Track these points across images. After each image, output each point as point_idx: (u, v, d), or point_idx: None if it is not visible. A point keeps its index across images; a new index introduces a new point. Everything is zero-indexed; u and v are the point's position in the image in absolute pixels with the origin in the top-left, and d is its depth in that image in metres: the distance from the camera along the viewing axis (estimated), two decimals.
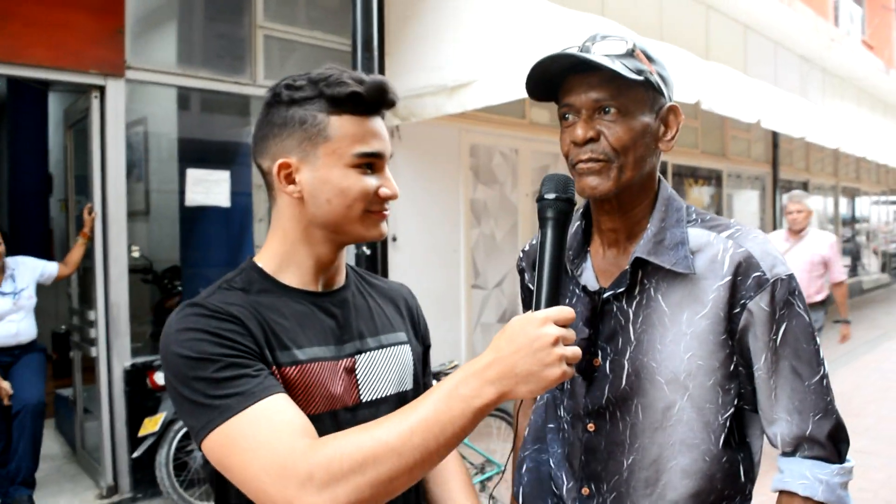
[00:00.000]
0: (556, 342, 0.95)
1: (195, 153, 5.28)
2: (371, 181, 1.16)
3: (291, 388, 1.09)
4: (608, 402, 1.30)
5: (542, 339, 0.95)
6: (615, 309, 1.30)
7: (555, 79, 1.27)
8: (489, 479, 4.02)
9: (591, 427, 1.34)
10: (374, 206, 1.17)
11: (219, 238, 5.41)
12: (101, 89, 4.35)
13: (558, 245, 1.09)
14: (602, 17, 5.83)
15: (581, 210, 1.41)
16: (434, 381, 3.87)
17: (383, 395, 1.22)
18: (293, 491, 0.92)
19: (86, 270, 4.75)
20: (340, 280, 1.26)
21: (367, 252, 3.56)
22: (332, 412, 1.14)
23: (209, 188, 4.87)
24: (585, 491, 1.35)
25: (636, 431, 1.28)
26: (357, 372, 1.20)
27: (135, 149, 5.54)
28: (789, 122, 7.37)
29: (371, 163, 1.16)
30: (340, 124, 1.13)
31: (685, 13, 9.02)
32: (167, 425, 4.12)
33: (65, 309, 5.68)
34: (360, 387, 1.19)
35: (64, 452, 5.35)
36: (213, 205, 4.93)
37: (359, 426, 0.98)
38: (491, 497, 4.01)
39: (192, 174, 4.85)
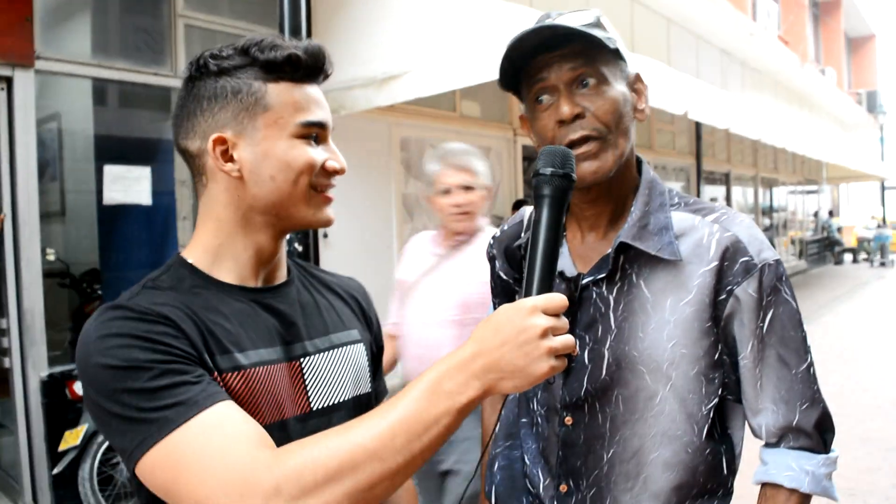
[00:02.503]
0: (544, 334, 0.85)
1: (113, 149, 5.04)
2: (318, 153, 1.04)
3: (235, 397, 0.94)
4: (587, 393, 1.23)
5: (529, 332, 0.85)
6: (594, 296, 1.23)
7: (518, 63, 1.19)
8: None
9: (568, 420, 1.26)
10: (321, 180, 1.05)
11: (140, 238, 5.17)
12: (8, 80, 4.09)
13: (555, 225, 0.96)
14: (530, 7, 5.82)
15: None
16: None
17: (337, 402, 1.09)
18: None
19: None
20: (282, 275, 1.12)
21: (300, 249, 3.43)
22: (281, 422, 1.00)
23: (128, 186, 4.65)
24: (563, 488, 1.28)
25: (616, 423, 1.22)
26: (305, 376, 1.06)
27: (48, 145, 5.27)
28: (714, 113, 7.54)
29: (315, 133, 1.04)
30: (279, 91, 1.02)
31: (611, 6, 9.12)
32: (89, 438, 3.91)
33: None
34: (309, 393, 1.06)
35: None
36: (133, 203, 4.71)
37: (332, 429, 0.86)
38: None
39: (110, 171, 4.62)
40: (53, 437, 4.10)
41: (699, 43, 11.80)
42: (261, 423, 0.93)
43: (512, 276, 1.43)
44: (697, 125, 11.93)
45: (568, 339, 0.87)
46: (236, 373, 0.97)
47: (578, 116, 1.16)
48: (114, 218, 5.06)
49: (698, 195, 12.78)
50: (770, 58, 13.87)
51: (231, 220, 1.04)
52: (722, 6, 11.12)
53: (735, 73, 13.32)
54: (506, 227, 1.46)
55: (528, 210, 1.43)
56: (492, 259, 1.48)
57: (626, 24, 9.51)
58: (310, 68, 1.04)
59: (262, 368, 1.00)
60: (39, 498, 4.21)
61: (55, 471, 3.98)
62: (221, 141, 1.01)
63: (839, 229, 22.54)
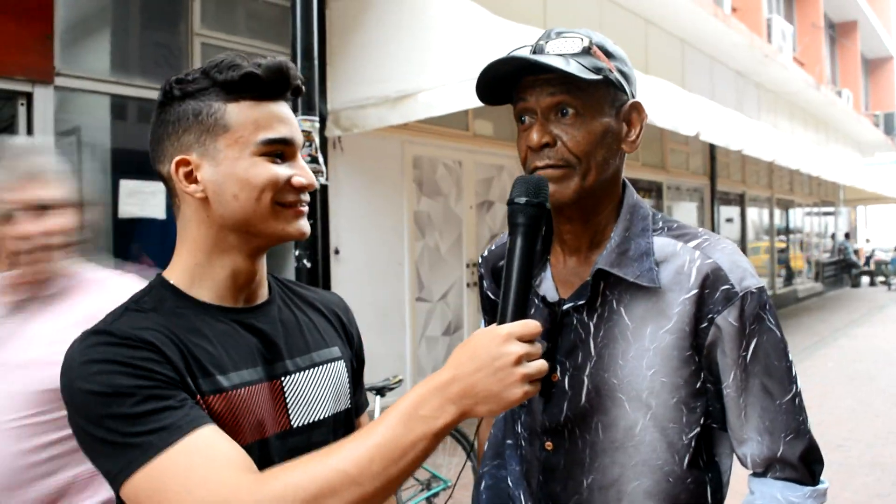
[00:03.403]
0: (518, 361, 0.89)
1: (130, 164, 5.11)
2: (281, 170, 1.03)
3: (217, 419, 0.96)
4: (567, 419, 1.23)
5: (503, 358, 0.89)
6: (575, 321, 1.23)
7: (508, 80, 1.19)
8: (435, 495, 3.96)
9: (548, 445, 1.26)
10: (287, 196, 1.04)
11: (155, 252, 5.23)
12: (28, 96, 4.19)
13: (528, 254, 0.99)
14: (543, 29, 5.86)
15: None
16: (378, 397, 3.79)
17: (317, 419, 1.11)
18: None
19: None
20: (263, 293, 1.13)
21: (308, 265, 3.47)
22: (262, 441, 1.02)
23: (144, 200, 4.71)
24: None
25: (596, 451, 1.21)
26: (286, 395, 1.08)
27: (67, 159, 5.34)
28: (727, 135, 7.54)
29: (280, 151, 1.04)
30: (239, 111, 1.02)
31: (625, 27, 9.17)
32: None
33: None
34: (289, 411, 1.07)
35: None
36: (148, 217, 4.77)
37: (313, 453, 0.88)
38: None
39: (126, 185, 4.69)
40: None
41: (714, 64, 11.82)
42: (242, 443, 0.96)
43: (499, 295, 1.44)
44: (712, 146, 11.91)
45: (541, 365, 0.90)
46: (218, 395, 0.99)
47: (547, 145, 1.15)
48: (129, 231, 5.13)
49: (713, 216, 12.75)
50: (785, 79, 13.84)
51: (205, 240, 1.05)
52: (737, 28, 11.14)
53: (750, 94, 13.31)
54: (493, 247, 1.46)
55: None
56: (480, 278, 1.49)
57: (641, 46, 9.54)
58: (271, 85, 1.04)
59: (243, 390, 1.02)
60: None
61: None
62: (185, 163, 1.02)
63: (856, 252, 22.35)
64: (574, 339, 1.22)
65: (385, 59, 5.20)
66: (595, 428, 1.21)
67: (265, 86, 1.03)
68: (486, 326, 1.53)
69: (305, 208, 1.08)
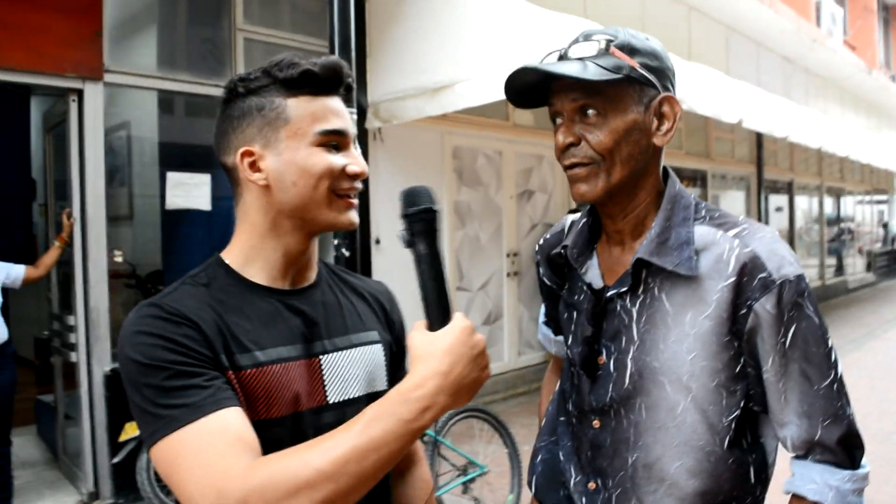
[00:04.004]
0: (484, 345, 0.99)
1: (177, 157, 5.26)
2: (337, 159, 1.13)
3: (251, 391, 1.06)
4: (612, 400, 1.29)
5: (479, 346, 0.99)
6: (619, 308, 1.29)
7: (542, 84, 1.25)
8: (472, 480, 4.02)
9: (596, 424, 1.33)
10: (342, 184, 1.14)
11: (201, 242, 5.38)
12: (79, 93, 4.33)
13: (435, 256, 1.06)
14: (584, 18, 5.85)
15: (588, 207, 1.39)
16: None
17: (352, 397, 1.19)
18: None
19: (66, 275, 4.72)
20: (311, 276, 1.23)
21: (347, 254, 3.54)
22: (297, 414, 1.11)
23: (189, 191, 4.85)
24: (592, 486, 1.35)
25: (640, 430, 1.27)
26: (324, 372, 1.16)
27: (117, 153, 5.51)
28: (772, 121, 7.42)
29: (336, 142, 1.14)
30: (298, 105, 1.12)
31: (668, 14, 9.06)
32: None
33: (46, 314, 5.65)
34: (326, 387, 1.16)
35: (45, 459, 5.31)
36: (194, 208, 4.91)
37: (297, 447, 0.96)
38: (475, 499, 4.02)
39: (172, 178, 4.82)
40: (115, 429, 4.31)
41: (760, 50, 11.58)
42: (276, 416, 1.07)
43: (554, 281, 1.49)
44: (759, 134, 11.70)
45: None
46: (254, 369, 1.07)
47: (573, 144, 1.22)
48: (177, 222, 5.28)
49: (759, 204, 12.54)
50: (835, 64, 13.48)
51: (262, 224, 1.15)
52: (784, 13, 10.90)
53: (798, 80, 13.01)
54: (548, 236, 1.52)
55: (569, 218, 1.49)
56: (537, 264, 1.55)
57: (684, 33, 9.41)
58: (327, 82, 1.13)
59: (279, 366, 1.10)
60: (100, 485, 4.42)
61: (115, 460, 4.18)
62: (249, 153, 1.12)
63: None
64: (618, 325, 1.29)
65: (423, 50, 5.24)
66: (639, 408, 1.27)
67: (321, 82, 1.13)
68: (545, 311, 1.60)
69: (356, 200, 1.17)
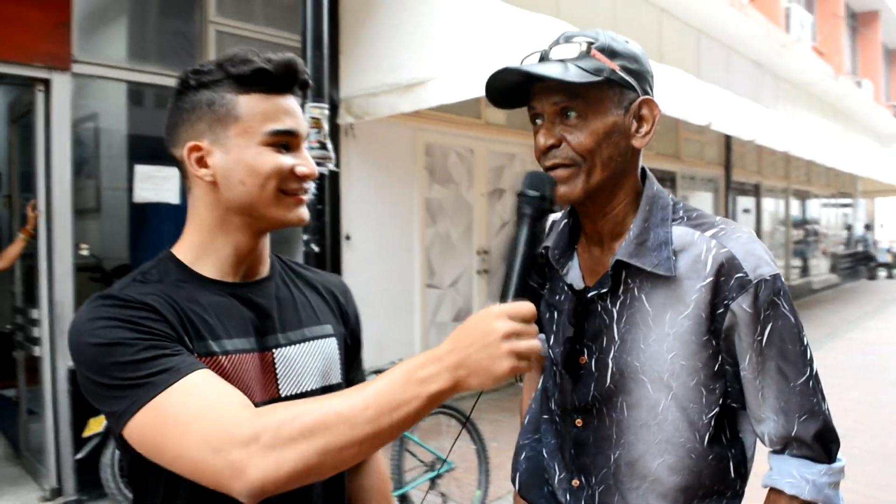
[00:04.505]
0: (506, 336, 0.93)
1: (146, 150, 5.19)
2: (286, 159, 1.12)
3: None
4: (594, 399, 1.31)
5: (493, 334, 0.94)
6: (599, 308, 1.30)
7: (522, 84, 1.26)
8: (439, 475, 4.03)
9: (578, 422, 1.35)
10: (290, 185, 1.13)
11: (169, 235, 5.26)
12: (47, 83, 4.26)
13: (532, 242, 1.09)
14: (556, 18, 5.87)
15: (568, 208, 1.41)
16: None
17: (306, 390, 1.19)
18: (236, 453, 0.89)
19: (30, 268, 4.64)
20: (263, 270, 1.22)
21: (317, 250, 3.53)
22: None
23: (158, 185, 4.79)
24: (576, 483, 1.37)
25: (622, 428, 1.29)
26: (277, 365, 1.16)
27: (85, 145, 5.44)
28: (740, 124, 7.51)
29: (286, 142, 1.12)
30: (249, 103, 1.10)
31: (639, 16, 9.13)
32: None
33: (9, 307, 5.55)
34: (279, 381, 1.16)
35: (6, 454, 5.22)
36: (163, 201, 4.85)
37: (311, 398, 0.95)
38: (442, 495, 4.03)
39: (141, 171, 4.76)
40: (78, 424, 4.24)
41: (730, 54, 11.73)
42: None
43: (536, 280, 1.50)
44: (727, 136, 11.84)
45: (532, 344, 0.96)
46: (208, 358, 1.07)
47: (554, 146, 1.23)
48: (145, 216, 5.21)
49: (727, 206, 12.70)
50: (804, 69, 13.70)
51: (211, 220, 1.14)
52: (754, 17, 11.04)
53: (767, 84, 13.20)
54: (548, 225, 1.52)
55: (550, 218, 1.49)
56: (532, 248, 1.56)
57: (655, 36, 9.49)
58: (280, 80, 1.12)
59: (234, 356, 1.10)
60: (64, 482, 4.35)
61: (79, 456, 4.12)
62: (196, 148, 1.11)
63: (874, 243, 22.14)
64: (599, 325, 1.30)
65: (397, 46, 5.23)
66: (620, 407, 1.29)
67: (274, 80, 1.11)
68: None
69: (306, 196, 1.16)
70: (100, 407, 1.02)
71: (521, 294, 1.05)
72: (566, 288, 1.36)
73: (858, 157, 13.35)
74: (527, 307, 0.97)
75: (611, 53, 1.22)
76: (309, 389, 1.19)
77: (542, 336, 1.55)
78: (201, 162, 1.12)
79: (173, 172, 4.87)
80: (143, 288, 1.08)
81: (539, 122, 1.26)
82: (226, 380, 1.06)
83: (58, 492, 4.35)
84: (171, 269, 1.14)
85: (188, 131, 1.12)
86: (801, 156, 10.00)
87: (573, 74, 1.17)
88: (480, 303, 7.50)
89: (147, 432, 0.95)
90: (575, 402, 1.34)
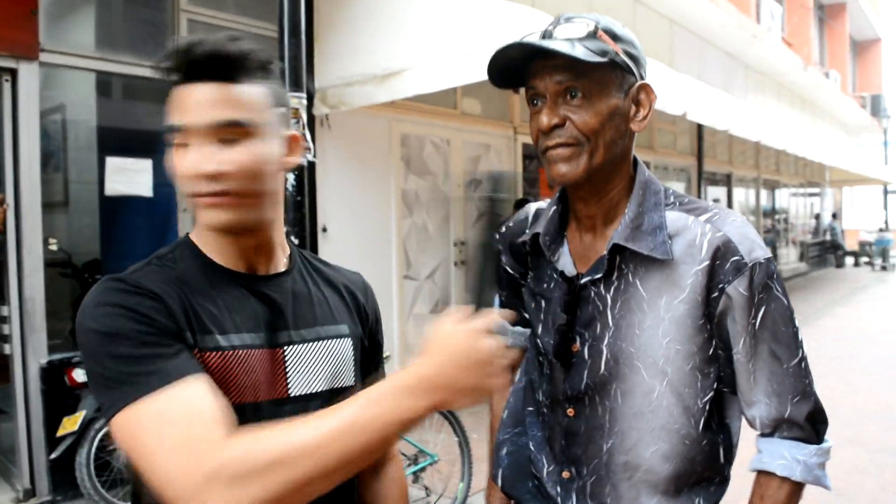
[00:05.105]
0: (497, 353, 0.93)
1: (117, 141, 5.08)
2: (179, 159, 1.03)
3: (211, 375, 1.01)
4: (587, 387, 1.29)
5: (482, 352, 0.92)
6: (593, 294, 1.29)
7: (519, 64, 1.24)
8: (422, 469, 4.00)
9: (570, 412, 1.33)
10: (192, 187, 1.03)
11: (141, 229, 5.22)
12: (13, 72, 4.14)
13: (489, 244, 1.07)
14: (532, 7, 5.84)
15: (557, 194, 1.39)
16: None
17: (314, 391, 1.14)
18: (199, 484, 0.85)
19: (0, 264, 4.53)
20: (280, 264, 1.17)
21: (295, 242, 3.47)
22: (255, 404, 1.06)
23: (130, 177, 4.69)
24: (566, 474, 1.35)
25: (615, 416, 1.28)
26: (287, 364, 1.11)
27: (52, 137, 5.30)
28: (714, 114, 7.55)
29: (179, 139, 1.03)
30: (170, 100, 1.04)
31: (613, 6, 9.14)
32: (87, 424, 3.95)
33: None
34: (288, 379, 1.11)
35: None
36: (135, 194, 4.75)
37: (282, 424, 0.91)
38: (425, 488, 4.01)
39: (112, 163, 4.66)
40: (52, 423, 4.15)
41: (702, 45, 11.80)
42: (234, 403, 1.01)
43: (517, 270, 1.48)
44: (699, 126, 11.94)
45: (517, 354, 0.97)
46: (215, 353, 1.03)
47: (557, 126, 1.21)
48: (116, 209, 5.10)
49: (699, 196, 12.81)
50: (774, 60, 13.84)
51: None
52: (726, 8, 11.12)
53: (738, 75, 13.31)
54: (511, 224, 1.51)
55: (532, 207, 1.49)
56: (498, 253, 1.53)
57: (629, 26, 9.45)
58: (184, 67, 1.02)
59: (241, 352, 1.06)
60: (37, 482, 4.26)
61: (53, 456, 4.03)
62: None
63: (842, 232, 22.51)
64: (592, 311, 1.29)
65: (373, 36, 5.17)
66: (614, 395, 1.28)
67: (179, 69, 1.02)
68: (500, 302, 1.58)
69: (219, 198, 1.03)
70: (95, 395, 0.99)
71: (479, 303, 1.01)
72: (555, 275, 1.34)
73: (827, 147, 13.53)
74: (495, 317, 0.96)
75: (613, 36, 1.23)
76: (317, 391, 1.15)
77: (520, 329, 1.53)
78: None
79: (146, 165, 4.79)
80: (156, 274, 1.05)
81: (539, 102, 1.24)
82: (231, 374, 1.03)
83: (31, 493, 4.26)
84: (186, 255, 1.10)
85: None
86: (773, 145, 10.10)
87: (582, 53, 1.16)
88: (458, 294, 7.48)
89: (125, 434, 0.93)
90: (567, 391, 1.32)
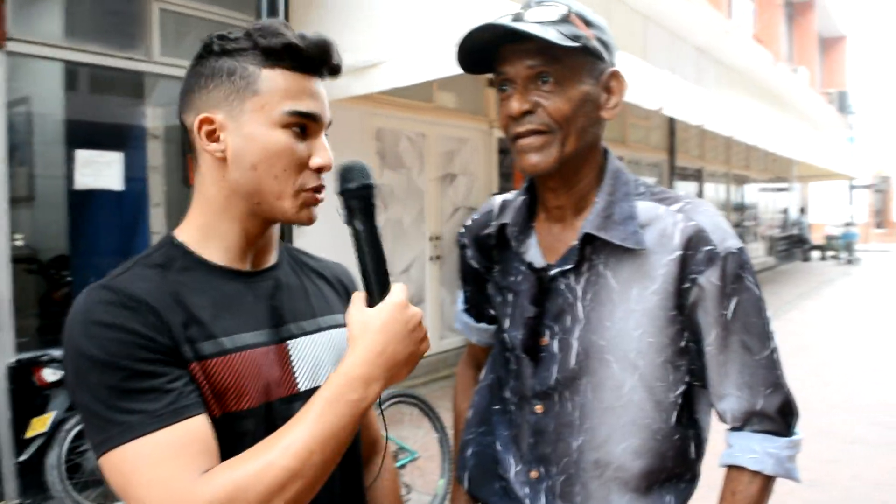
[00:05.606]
0: (419, 318, 1.01)
1: (85, 134, 4.97)
2: (299, 146, 1.03)
3: (219, 382, 0.97)
4: (557, 382, 1.26)
5: (413, 320, 1.00)
6: (562, 286, 1.26)
7: (488, 49, 1.20)
8: (402, 466, 3.97)
9: (538, 409, 1.29)
10: (309, 181, 1.05)
11: (111, 224, 5.11)
12: None
13: (374, 231, 1.06)
14: (511, 1, 5.81)
15: (525, 184, 1.36)
16: None
17: (322, 382, 1.09)
18: None
19: None
20: (271, 258, 1.13)
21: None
22: (267, 404, 1.02)
23: (100, 170, 4.58)
24: (534, 474, 1.31)
25: (586, 412, 1.24)
26: (293, 358, 1.08)
27: (17, 129, 5.17)
28: (689, 110, 7.60)
29: (303, 125, 1.03)
30: (272, 78, 1.01)
31: (588, 2, 9.14)
32: (57, 425, 3.85)
33: None
34: (296, 375, 1.08)
35: None
36: (105, 188, 4.65)
37: (251, 450, 0.90)
38: (406, 485, 3.97)
39: (82, 155, 4.55)
40: (20, 425, 4.04)
41: (674, 40, 11.87)
42: (247, 406, 1.00)
43: (483, 264, 1.44)
44: (671, 121, 12.03)
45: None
46: (221, 357, 0.99)
47: (528, 112, 1.18)
48: (84, 204, 5.00)
49: None
50: (744, 56, 13.98)
51: (217, 200, 1.05)
52: (698, 4, 11.20)
53: (709, 70, 13.41)
54: (476, 217, 1.47)
55: (497, 199, 1.45)
56: (463, 247, 1.49)
57: (603, 20, 9.51)
58: (310, 60, 1.04)
59: (247, 353, 1.02)
60: (4, 485, 4.15)
61: (21, 458, 3.92)
62: (209, 121, 1.02)
63: (809, 227, 22.86)
64: (562, 304, 1.26)
65: (349, 28, 5.11)
66: (584, 390, 1.24)
67: (303, 59, 1.03)
68: (465, 297, 1.54)
69: (322, 195, 1.08)
70: (82, 422, 0.95)
71: (387, 281, 1.05)
72: (523, 267, 1.31)
73: (795, 142, 13.70)
74: (405, 288, 1.03)
75: (586, 22, 1.20)
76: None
77: (483, 324, 1.51)
78: (212, 136, 1.02)
79: (116, 157, 4.69)
80: (145, 279, 0.99)
81: (508, 88, 1.20)
82: (241, 377, 1.00)
83: None
84: (175, 255, 1.04)
85: (202, 99, 1.03)
86: (744, 140, 10.21)
87: (555, 37, 1.13)
88: (433, 289, 7.44)
89: (115, 475, 0.90)
90: (536, 386, 1.29)
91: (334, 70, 1.08)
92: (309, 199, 1.06)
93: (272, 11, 3.42)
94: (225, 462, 0.90)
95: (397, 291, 1.01)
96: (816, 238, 23.42)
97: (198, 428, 0.91)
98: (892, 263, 21.90)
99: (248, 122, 1.01)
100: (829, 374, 7.39)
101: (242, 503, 0.85)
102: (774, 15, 17.66)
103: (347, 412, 0.93)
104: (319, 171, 1.06)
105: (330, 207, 1.10)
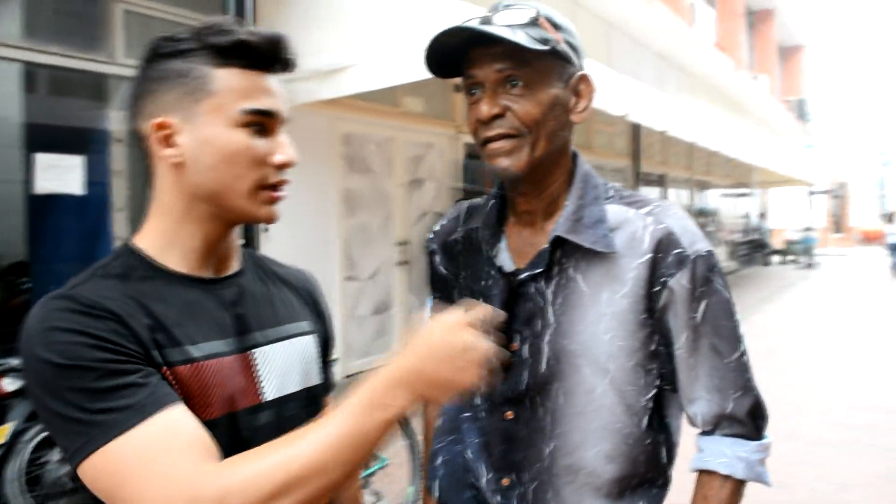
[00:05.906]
0: (471, 347, 0.93)
1: (44, 138, 4.86)
2: (259, 143, 1.00)
3: (186, 390, 0.94)
4: (528, 388, 1.24)
5: (456, 346, 0.92)
6: (532, 290, 1.25)
7: (457, 52, 1.19)
8: (372, 473, 3.93)
9: (509, 415, 1.28)
10: (269, 177, 1.02)
11: (72, 230, 5.00)
12: None
13: None
14: (475, 5, 5.83)
15: (494, 189, 1.35)
16: None
17: (289, 392, 1.09)
18: None
19: None
20: (234, 265, 1.10)
21: (242, 241, 3.36)
22: (231, 414, 0.99)
23: (61, 175, 4.48)
24: (506, 481, 1.29)
25: (557, 417, 1.23)
26: (258, 367, 1.05)
27: None
28: (653, 116, 7.69)
29: (261, 122, 1.01)
30: (226, 77, 0.98)
31: (554, 7, 9.20)
32: (16, 436, 3.75)
33: None
34: (261, 384, 1.04)
35: None
36: (66, 192, 4.55)
37: (276, 441, 0.87)
38: (375, 493, 3.93)
39: (42, 159, 4.44)
40: None
41: (637, 47, 12.01)
42: (212, 416, 0.95)
43: (451, 270, 1.43)
44: (636, 127, 12.14)
45: (493, 348, 0.95)
46: (188, 365, 0.95)
47: (498, 116, 1.17)
48: (44, 209, 4.88)
49: None
50: (706, 63, 14.20)
51: (176, 206, 1.02)
52: (660, 11, 11.34)
53: (671, 77, 13.59)
54: (444, 222, 1.46)
55: (464, 204, 1.44)
56: (431, 254, 1.48)
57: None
58: (262, 56, 1.01)
59: (214, 361, 0.98)
60: None
61: None
62: (164, 125, 0.99)
63: (769, 231, 23.28)
64: (532, 308, 1.25)
65: (317, 31, 5.07)
66: (555, 395, 1.23)
67: (256, 55, 1.01)
68: (433, 303, 1.52)
69: (284, 192, 1.05)
70: (51, 434, 0.89)
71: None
72: (493, 272, 1.30)
73: (755, 149, 13.94)
74: (481, 311, 0.96)
75: (555, 25, 1.20)
76: (292, 392, 1.09)
77: None
78: (168, 141, 0.99)
79: (76, 161, 4.59)
80: (106, 289, 0.95)
81: (477, 92, 1.20)
82: (207, 386, 0.96)
83: None
84: (134, 264, 1.00)
85: (154, 104, 0.99)
86: (707, 147, 10.35)
87: (524, 40, 1.12)
88: (400, 294, 7.41)
89: (103, 479, 0.85)
90: (506, 392, 1.27)
91: (288, 65, 1.06)
92: (272, 197, 1.04)
93: (239, 13, 3.38)
94: (244, 453, 0.87)
95: (456, 313, 0.96)
96: (776, 243, 23.90)
97: (184, 416, 0.88)
98: (849, 267, 22.40)
99: (204, 125, 0.98)
100: (792, 376, 7.50)
101: (257, 490, 0.82)
102: (735, 23, 17.98)
103: (379, 415, 0.89)
104: (282, 167, 1.04)
105: (295, 214, 1.07)
